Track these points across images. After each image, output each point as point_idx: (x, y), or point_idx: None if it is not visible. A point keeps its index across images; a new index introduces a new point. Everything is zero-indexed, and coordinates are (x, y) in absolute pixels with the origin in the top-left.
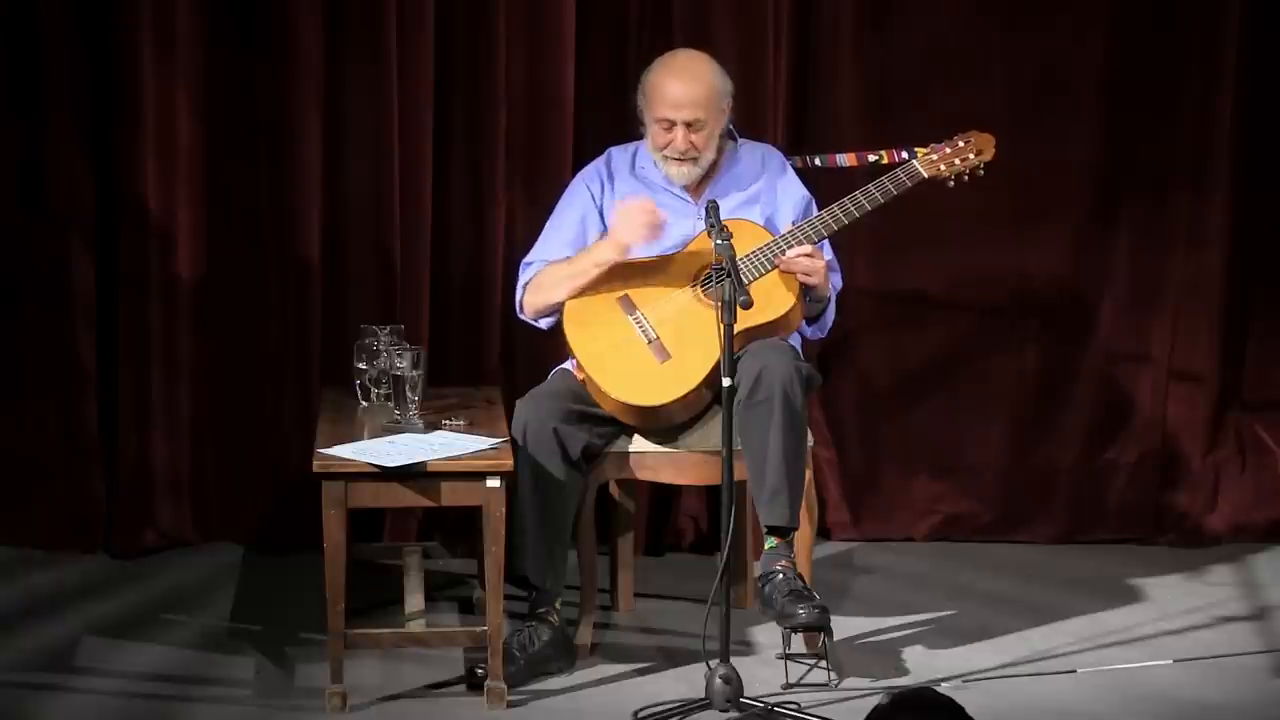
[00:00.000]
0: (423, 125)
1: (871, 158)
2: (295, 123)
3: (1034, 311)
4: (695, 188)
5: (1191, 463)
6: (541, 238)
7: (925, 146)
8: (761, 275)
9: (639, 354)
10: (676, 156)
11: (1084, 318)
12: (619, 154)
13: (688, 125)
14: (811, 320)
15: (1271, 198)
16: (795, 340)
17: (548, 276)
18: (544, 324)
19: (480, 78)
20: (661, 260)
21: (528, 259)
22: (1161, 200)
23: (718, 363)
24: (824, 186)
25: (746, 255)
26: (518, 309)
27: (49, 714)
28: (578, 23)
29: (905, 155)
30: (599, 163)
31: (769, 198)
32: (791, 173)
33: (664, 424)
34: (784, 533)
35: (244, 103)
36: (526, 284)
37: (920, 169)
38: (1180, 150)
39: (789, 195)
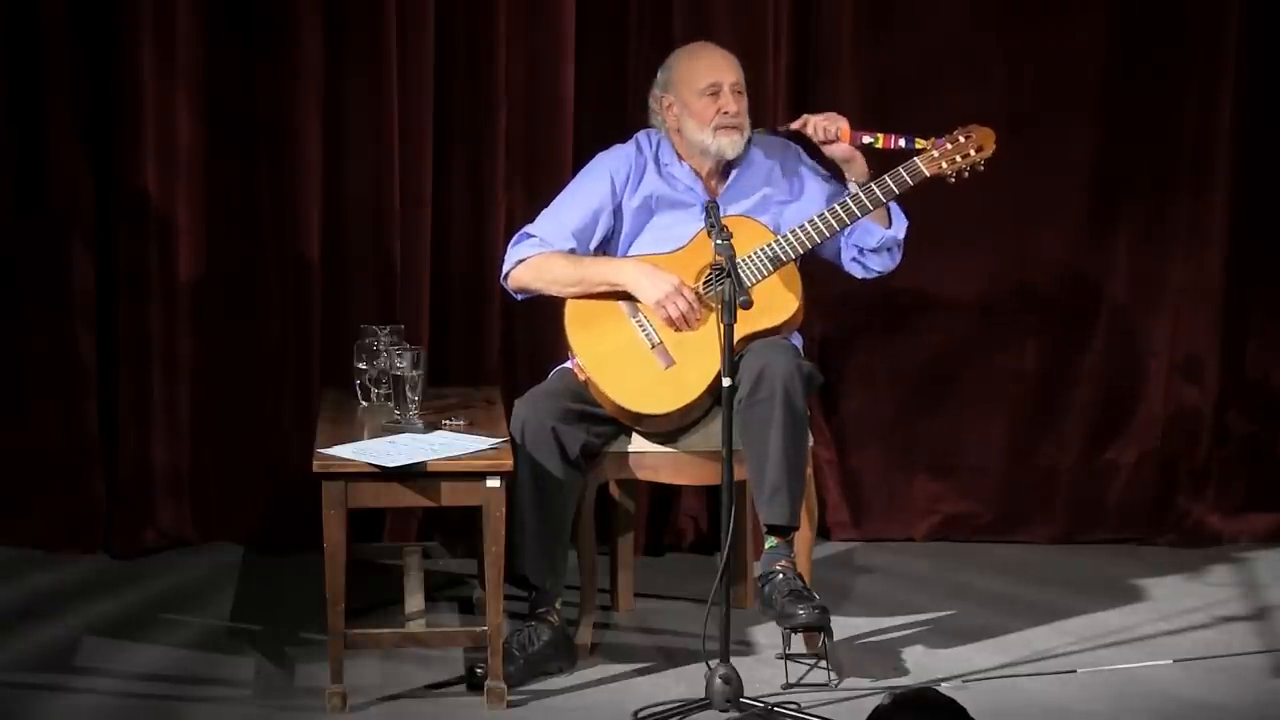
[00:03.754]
0: (423, 125)
1: (867, 139)
2: (295, 123)
3: (1034, 311)
4: (714, 185)
5: (1191, 463)
6: (549, 212)
7: (925, 138)
8: (764, 277)
9: (642, 358)
10: (728, 124)
11: (1084, 318)
12: (645, 144)
13: (733, 88)
14: (888, 225)
15: (1271, 198)
16: (795, 340)
17: (550, 271)
18: (520, 297)
19: (480, 78)
20: (665, 260)
21: (529, 229)
22: (1161, 200)
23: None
24: None
25: (748, 255)
26: (502, 276)
27: (49, 714)
28: (578, 23)
29: (903, 143)
30: (628, 152)
31: (784, 195)
32: (809, 159)
33: (665, 428)
34: (784, 532)
35: (244, 103)
36: (523, 259)
37: (922, 167)
38: (1180, 150)
39: (814, 181)
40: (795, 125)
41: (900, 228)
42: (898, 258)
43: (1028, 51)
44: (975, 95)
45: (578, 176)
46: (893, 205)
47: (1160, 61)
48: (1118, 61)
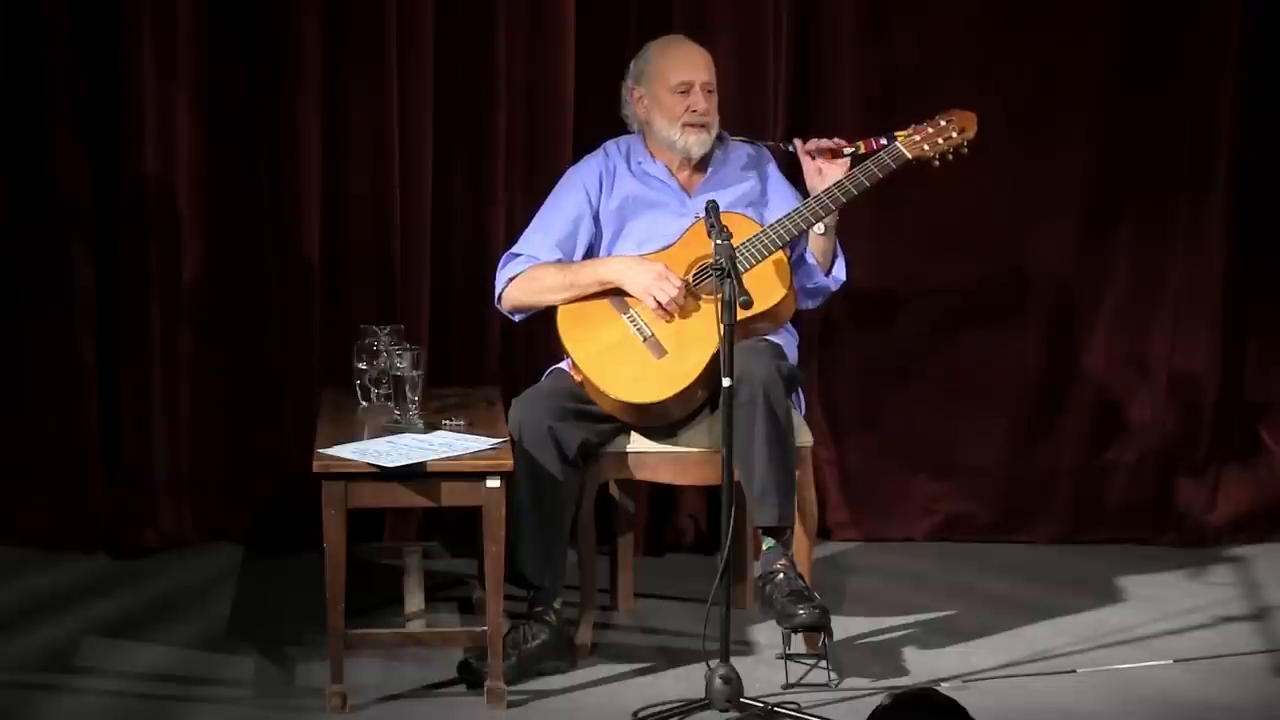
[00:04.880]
0: (423, 125)
1: (848, 150)
2: (295, 123)
3: (1034, 311)
4: (689, 183)
5: (1191, 463)
6: (531, 230)
7: (905, 129)
8: (752, 267)
9: (635, 352)
10: (697, 122)
11: (1084, 317)
12: (614, 150)
13: (704, 87)
14: (828, 271)
15: (1271, 198)
16: (793, 339)
17: (540, 281)
18: (517, 318)
19: (480, 78)
20: (655, 257)
21: (515, 250)
22: (1161, 200)
23: (714, 356)
24: None
25: (737, 247)
26: (495, 299)
27: (49, 714)
28: (577, 23)
29: (884, 141)
30: (598, 160)
31: (761, 195)
32: (779, 171)
33: (662, 421)
34: (778, 532)
35: (244, 103)
36: (512, 278)
37: (904, 150)
38: (1180, 150)
39: (780, 193)
40: (805, 147)
41: (836, 280)
42: (820, 302)
43: (1028, 51)
44: (975, 95)
45: (552, 193)
46: (840, 256)
47: (1160, 62)
48: (1118, 62)
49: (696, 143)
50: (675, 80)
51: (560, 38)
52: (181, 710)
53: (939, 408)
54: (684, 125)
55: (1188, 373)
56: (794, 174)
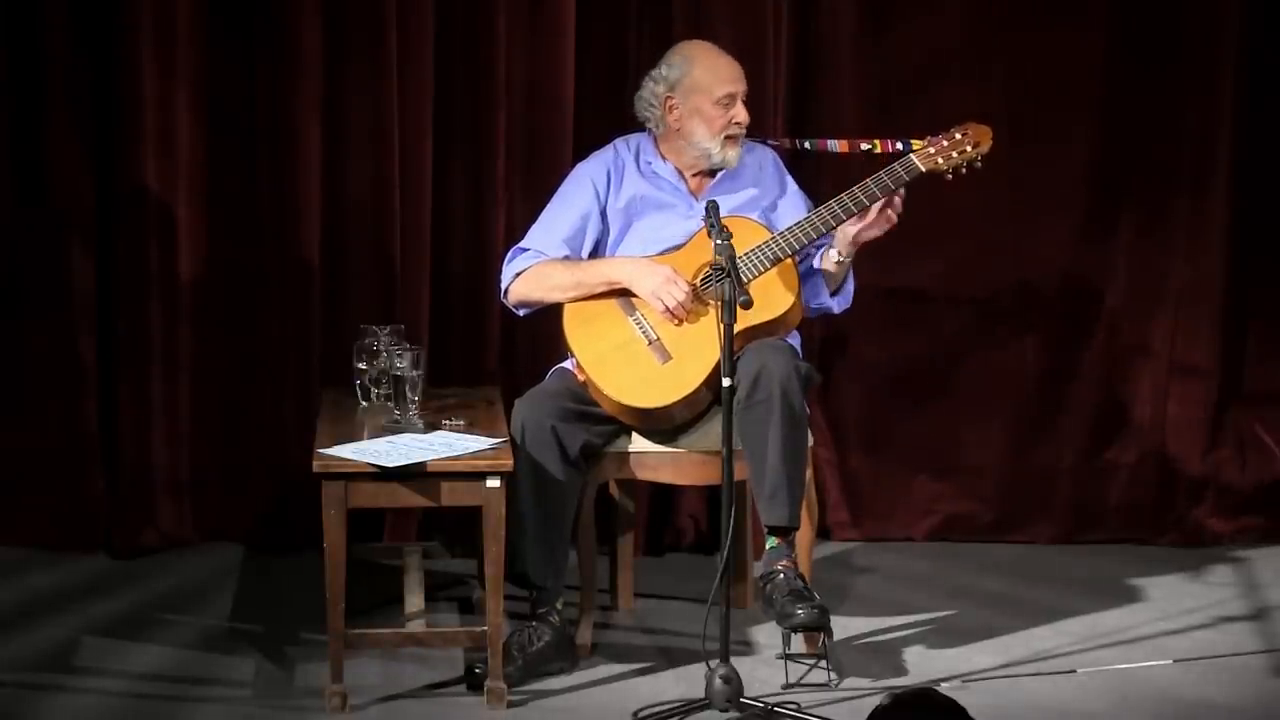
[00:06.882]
0: (423, 125)
1: (865, 146)
2: (295, 123)
3: (1034, 311)
4: (698, 186)
5: (1191, 463)
6: (539, 225)
7: (922, 139)
8: (761, 274)
9: (640, 355)
10: (737, 134)
11: (1084, 317)
12: (624, 148)
13: (743, 98)
14: (835, 292)
15: (1271, 198)
16: (795, 339)
17: (548, 278)
18: (522, 312)
19: (480, 78)
20: (664, 259)
21: (523, 244)
22: (1161, 200)
23: (718, 363)
24: (827, 179)
25: (746, 253)
26: (501, 293)
27: (49, 714)
28: (578, 22)
29: (900, 146)
30: (605, 157)
31: (770, 199)
32: (788, 174)
33: (665, 424)
34: (785, 532)
35: (244, 103)
36: (520, 272)
37: (918, 163)
38: (1180, 150)
39: (788, 197)
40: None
41: (840, 304)
42: (814, 316)
43: (1028, 51)
44: (975, 95)
45: (560, 188)
46: (850, 280)
47: (1160, 61)
48: (1118, 61)
49: (735, 155)
50: (721, 93)
51: (560, 38)
52: (181, 710)
53: (939, 407)
54: (725, 138)
55: (1188, 372)
56: (801, 172)
